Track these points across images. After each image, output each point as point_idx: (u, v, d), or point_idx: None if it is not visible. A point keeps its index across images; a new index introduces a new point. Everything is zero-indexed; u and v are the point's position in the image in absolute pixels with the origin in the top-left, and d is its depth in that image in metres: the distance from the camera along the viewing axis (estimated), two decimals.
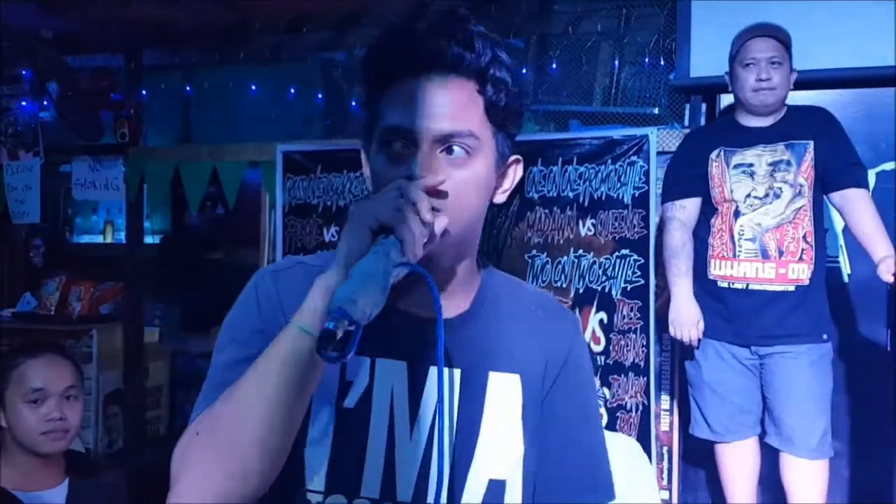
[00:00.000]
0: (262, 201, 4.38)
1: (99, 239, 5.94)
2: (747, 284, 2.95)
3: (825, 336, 2.94)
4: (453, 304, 1.11)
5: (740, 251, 2.96)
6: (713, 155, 3.02)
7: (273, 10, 4.18)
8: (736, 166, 2.98)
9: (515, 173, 1.13)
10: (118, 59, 4.70)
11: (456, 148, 1.02)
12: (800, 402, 2.91)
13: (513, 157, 1.12)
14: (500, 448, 1.10)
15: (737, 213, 2.97)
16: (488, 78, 1.04)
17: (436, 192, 1.00)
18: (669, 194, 3.14)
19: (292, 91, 4.46)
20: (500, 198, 1.12)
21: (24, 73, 4.75)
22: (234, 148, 4.39)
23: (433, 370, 1.07)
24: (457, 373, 1.09)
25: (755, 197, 2.95)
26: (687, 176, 3.08)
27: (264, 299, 1.09)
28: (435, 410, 1.07)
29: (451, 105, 1.01)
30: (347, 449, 1.06)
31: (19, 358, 2.22)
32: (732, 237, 2.97)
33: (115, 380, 4.64)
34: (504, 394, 1.11)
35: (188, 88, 4.76)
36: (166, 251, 5.55)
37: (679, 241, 3.04)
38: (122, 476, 2.41)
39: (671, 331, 3.04)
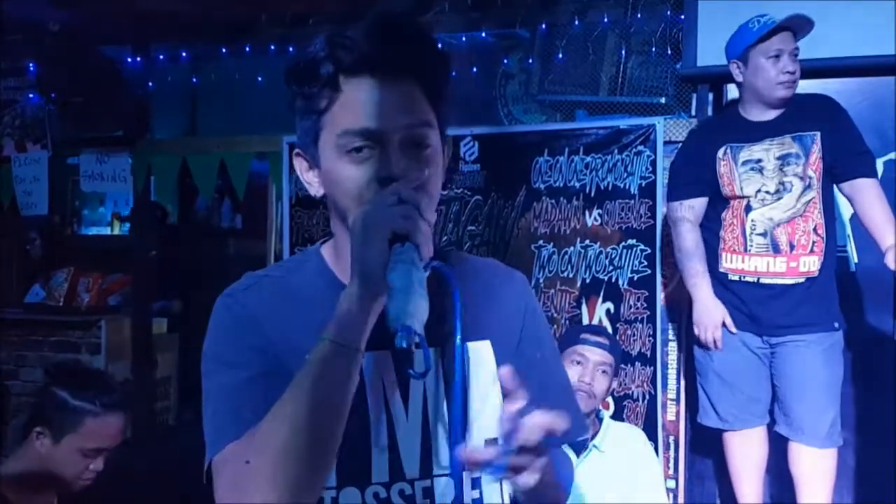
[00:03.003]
0: (269, 192, 4.39)
1: (106, 231, 5.96)
2: (758, 278, 2.95)
3: (836, 325, 2.94)
4: None
5: (751, 245, 2.95)
6: (720, 153, 2.98)
7: (279, 3, 4.19)
8: (744, 163, 2.95)
9: (449, 152, 1.20)
10: (125, 52, 4.70)
11: (420, 141, 1.07)
12: (810, 390, 2.90)
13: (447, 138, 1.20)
14: (487, 409, 1.16)
15: (748, 208, 2.95)
16: (431, 73, 1.10)
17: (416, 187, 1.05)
18: (677, 194, 3.10)
19: None
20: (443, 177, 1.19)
21: (30, 65, 4.76)
22: (241, 139, 4.41)
23: (416, 354, 1.12)
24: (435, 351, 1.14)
25: (766, 192, 2.93)
26: (694, 176, 3.05)
27: (242, 318, 1.11)
28: (425, 389, 1.14)
29: (407, 102, 1.07)
30: (352, 442, 1.08)
31: (96, 407, 2.20)
32: (744, 231, 2.96)
33: (123, 371, 4.66)
34: (480, 360, 1.18)
35: (195, 80, 4.76)
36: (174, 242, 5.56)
37: (692, 243, 3.03)
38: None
39: (696, 331, 3.02)
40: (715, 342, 2.99)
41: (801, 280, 2.91)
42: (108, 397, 2.26)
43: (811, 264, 2.91)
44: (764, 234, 2.94)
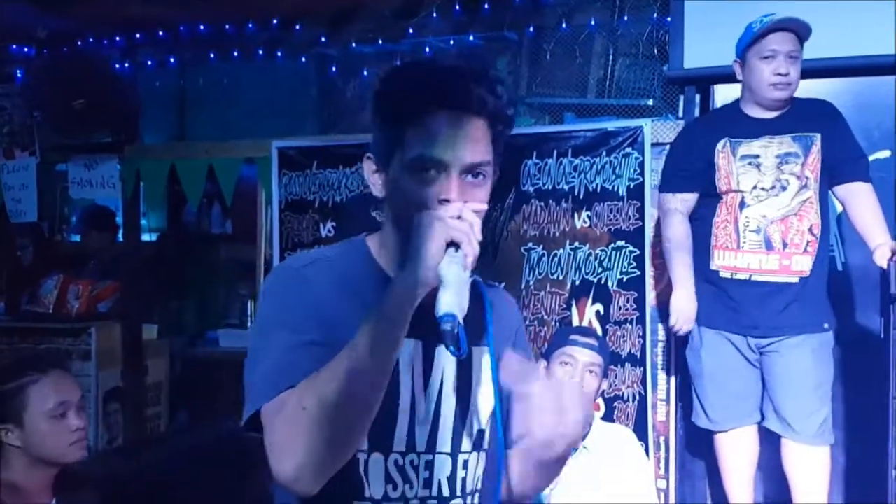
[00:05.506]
0: (259, 197, 4.39)
1: None
2: (750, 276, 2.95)
3: (826, 325, 2.96)
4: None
5: (744, 242, 2.96)
6: (719, 146, 2.99)
7: (266, 7, 4.19)
8: (742, 157, 2.96)
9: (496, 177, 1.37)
10: (114, 57, 4.69)
11: (479, 174, 1.26)
12: (801, 389, 2.91)
13: None
14: (483, 405, 1.39)
15: (742, 205, 2.96)
16: (499, 117, 1.29)
17: None
18: (671, 185, 3.11)
19: (287, 87, 4.46)
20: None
21: (18, 71, 4.75)
22: (230, 144, 4.39)
23: (440, 347, 1.31)
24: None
25: (761, 188, 2.94)
26: (689, 169, 3.06)
27: (305, 290, 1.28)
28: (442, 379, 1.35)
29: (476, 139, 1.25)
30: (384, 414, 1.24)
31: (32, 375, 2.19)
32: (737, 228, 2.97)
33: (114, 377, 4.65)
34: (482, 363, 1.39)
35: (183, 85, 4.76)
36: (163, 249, 5.56)
37: (683, 234, 3.05)
38: (109, 487, 2.40)
39: (671, 319, 3.03)
40: (681, 332, 3.04)
41: (794, 280, 2.93)
42: (43, 362, 2.28)
43: (804, 264, 2.92)
44: (757, 231, 2.94)
